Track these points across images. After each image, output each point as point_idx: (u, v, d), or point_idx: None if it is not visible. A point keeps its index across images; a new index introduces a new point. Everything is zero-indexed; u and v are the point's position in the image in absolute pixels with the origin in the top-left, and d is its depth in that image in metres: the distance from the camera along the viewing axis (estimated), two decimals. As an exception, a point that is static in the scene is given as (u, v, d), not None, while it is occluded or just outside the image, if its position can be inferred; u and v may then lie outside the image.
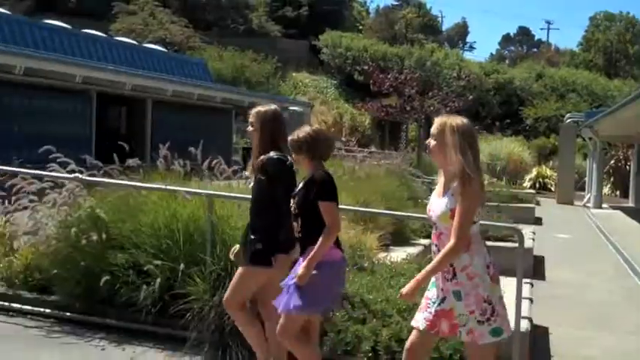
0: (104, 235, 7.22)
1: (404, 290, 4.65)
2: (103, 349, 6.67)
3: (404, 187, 15.59)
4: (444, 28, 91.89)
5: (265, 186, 5.58)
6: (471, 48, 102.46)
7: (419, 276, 4.62)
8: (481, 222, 4.76)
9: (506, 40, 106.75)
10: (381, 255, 9.27)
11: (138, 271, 6.97)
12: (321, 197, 5.15)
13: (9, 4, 45.59)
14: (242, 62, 51.39)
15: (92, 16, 50.44)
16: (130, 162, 7.97)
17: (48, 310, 7.38)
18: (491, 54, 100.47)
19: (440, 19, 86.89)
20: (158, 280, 6.75)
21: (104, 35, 36.17)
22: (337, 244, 5.29)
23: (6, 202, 11.86)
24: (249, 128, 5.88)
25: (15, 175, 8.18)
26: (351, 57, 57.51)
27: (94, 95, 27.26)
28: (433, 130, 4.75)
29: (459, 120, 4.69)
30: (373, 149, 40.13)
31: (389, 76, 29.39)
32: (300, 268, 5.14)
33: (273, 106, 6.01)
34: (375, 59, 52.55)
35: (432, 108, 28.55)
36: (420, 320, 4.78)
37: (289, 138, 5.42)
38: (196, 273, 6.60)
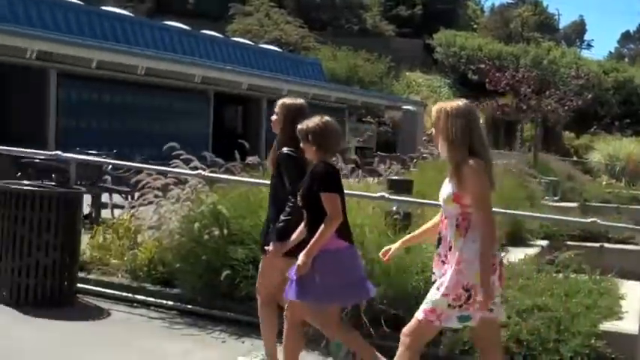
0: (225, 231, 7.34)
1: (480, 300, 4.54)
2: (223, 342, 6.79)
3: (521, 188, 15.35)
4: (560, 26, 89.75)
5: (277, 180, 5.70)
6: (589, 46, 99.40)
7: (482, 280, 4.51)
8: (603, 223, 4.68)
9: (626, 37, 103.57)
10: (498, 255, 9.14)
11: (257, 266, 7.07)
12: (323, 189, 5.17)
13: (131, 6, 47.03)
14: (355, 62, 51.53)
15: (209, 18, 51.51)
16: (250, 159, 8.12)
17: (170, 303, 7.55)
18: (610, 52, 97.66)
19: (556, 17, 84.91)
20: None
21: (221, 36, 36.86)
22: (344, 234, 5.28)
23: (129, 197, 12.36)
24: (273, 117, 5.91)
25: (140, 171, 8.47)
26: (465, 56, 56.89)
27: (211, 95, 27.88)
28: (432, 117, 4.79)
29: (454, 104, 4.70)
30: (487, 149, 39.48)
31: (506, 75, 28.87)
32: (300, 257, 5.20)
33: (300, 100, 6.02)
34: (489, 58, 51.84)
35: (549, 107, 27.93)
36: None
37: (298, 127, 5.43)
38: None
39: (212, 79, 27.68)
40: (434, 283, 4.77)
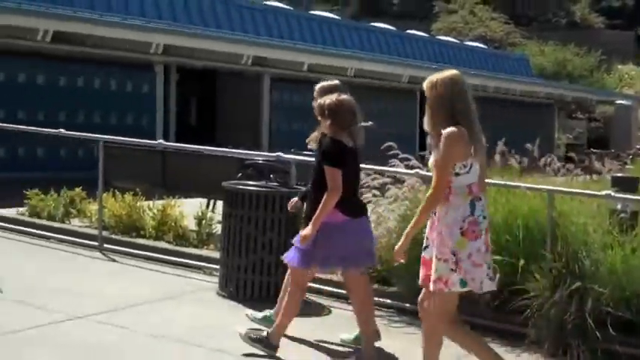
0: (443, 230, 7.32)
1: (396, 248, 5.01)
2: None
3: None
4: None
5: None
6: None
7: (406, 232, 4.97)
8: None
9: None
10: None
11: (477, 265, 7.01)
12: (326, 162, 5.65)
13: (337, 9, 47.97)
14: (564, 56, 50.07)
15: (414, 17, 51.71)
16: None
17: (389, 301, 7.56)
18: None
19: None
20: (497, 275, 6.74)
21: (426, 35, 36.84)
22: (344, 208, 5.66)
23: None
24: (314, 103, 6.14)
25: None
26: (683, 46, 53.86)
27: (417, 94, 27.91)
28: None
29: (440, 75, 4.93)
30: None
31: None
32: (306, 228, 5.72)
33: (335, 82, 6.39)
34: None
35: None
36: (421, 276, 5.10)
37: (318, 101, 5.90)
38: (536, 269, 6.54)
39: (419, 78, 27.69)
40: (426, 248, 5.03)
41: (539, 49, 50.56)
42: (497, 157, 7.77)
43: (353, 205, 5.83)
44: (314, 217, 5.66)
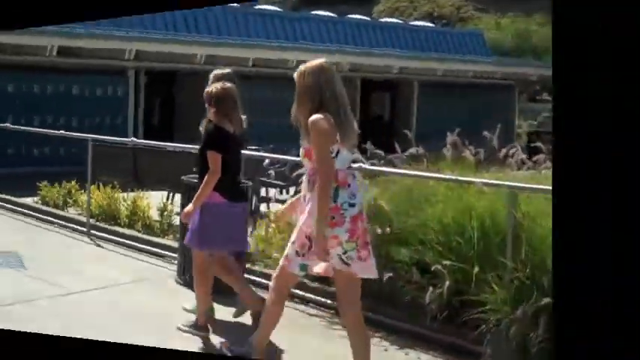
0: (387, 229, 6.75)
1: (315, 252, 4.85)
2: (385, 350, 6.18)
3: None
4: None
5: None
6: None
7: (316, 230, 4.80)
8: None
9: None
10: None
11: (423, 270, 6.37)
12: (207, 146, 6.08)
13: (279, 0, 47.16)
14: (525, 27, 48.39)
15: (354, 1, 50.99)
16: (412, 150, 7.54)
17: (329, 301, 7.04)
18: None
19: None
20: (447, 282, 6.08)
21: (368, 19, 35.90)
22: (223, 191, 6.06)
23: (283, 191, 12.77)
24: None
25: (300, 165, 8.02)
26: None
27: (358, 82, 27.28)
28: None
29: (309, 64, 5.06)
30: None
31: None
32: (187, 206, 6.25)
33: (227, 70, 6.82)
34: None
35: None
36: None
37: (205, 90, 6.27)
38: (493, 279, 5.78)
39: (359, 65, 27.02)
40: None
41: (495, 22, 48.84)
42: (447, 149, 7.14)
43: (232, 189, 6.22)
44: (195, 196, 6.11)
